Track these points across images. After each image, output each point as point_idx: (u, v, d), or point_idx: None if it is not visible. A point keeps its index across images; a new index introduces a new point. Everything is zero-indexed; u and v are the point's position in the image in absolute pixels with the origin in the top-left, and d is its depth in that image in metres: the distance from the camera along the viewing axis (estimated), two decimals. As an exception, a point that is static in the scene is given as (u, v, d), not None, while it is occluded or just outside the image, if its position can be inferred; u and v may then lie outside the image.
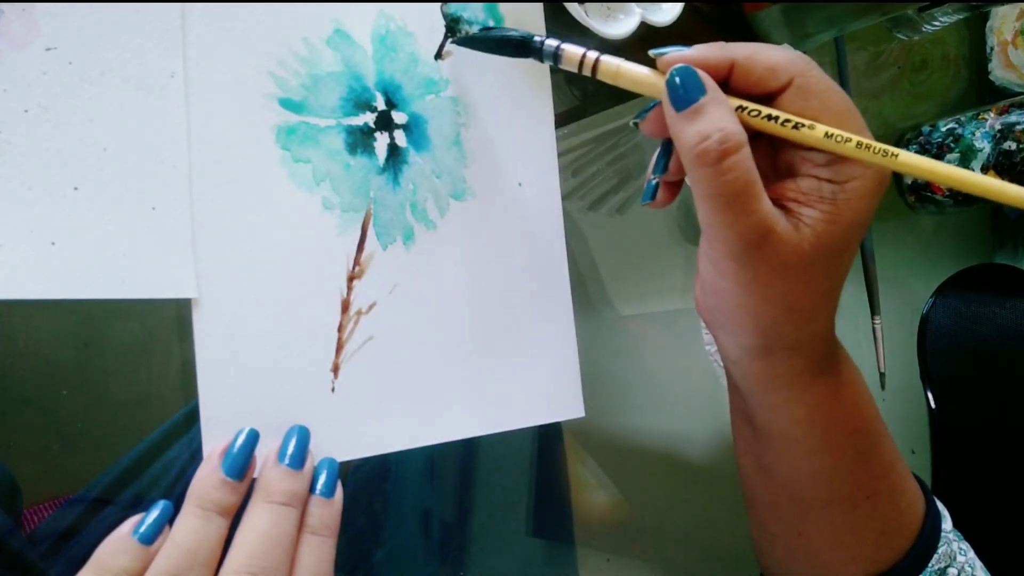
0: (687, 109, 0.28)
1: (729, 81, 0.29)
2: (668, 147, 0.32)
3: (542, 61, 0.32)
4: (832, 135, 0.27)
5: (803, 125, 0.28)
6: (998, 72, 0.77)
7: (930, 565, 0.35)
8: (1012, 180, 0.59)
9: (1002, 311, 0.64)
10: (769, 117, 0.28)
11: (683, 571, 0.60)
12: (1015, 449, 0.56)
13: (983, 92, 0.78)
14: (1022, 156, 0.60)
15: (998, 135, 0.62)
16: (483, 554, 0.49)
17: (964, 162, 0.64)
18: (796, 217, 0.29)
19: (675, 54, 0.29)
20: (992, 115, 0.63)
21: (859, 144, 0.27)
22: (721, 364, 0.46)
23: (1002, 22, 0.76)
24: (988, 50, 0.77)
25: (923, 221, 0.76)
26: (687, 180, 0.30)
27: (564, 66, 0.31)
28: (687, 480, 0.62)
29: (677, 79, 0.28)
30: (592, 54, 0.30)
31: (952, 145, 0.66)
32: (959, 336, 0.63)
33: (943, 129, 0.67)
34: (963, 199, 0.68)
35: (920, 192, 0.70)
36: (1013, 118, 0.61)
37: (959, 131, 0.66)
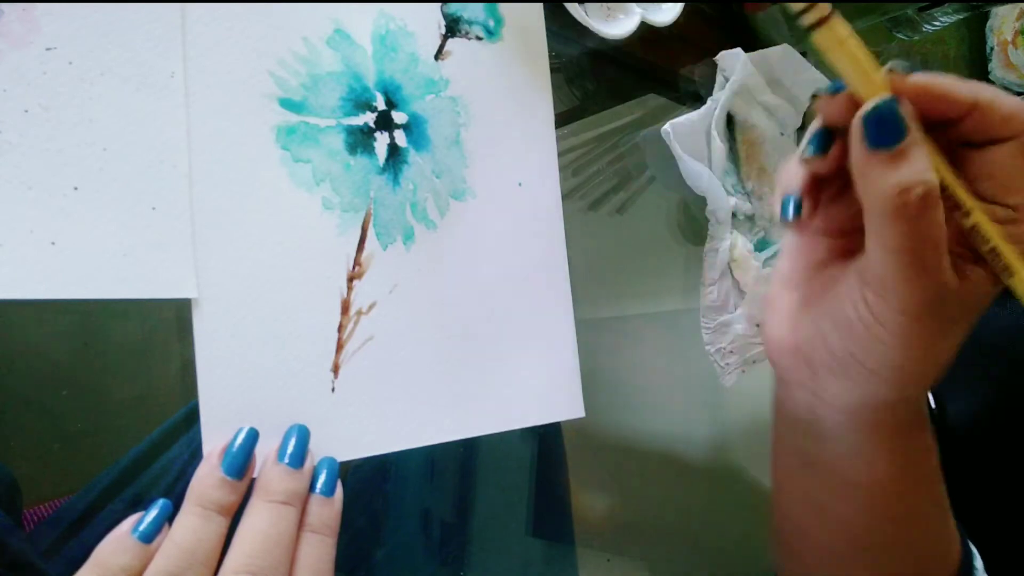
0: (886, 150, 0.24)
1: (959, 122, 0.25)
2: (830, 134, 0.27)
3: None
4: (978, 230, 0.25)
5: (962, 208, 0.25)
6: (998, 72, 0.77)
7: None
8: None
9: (1002, 311, 0.64)
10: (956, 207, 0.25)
11: (683, 571, 0.60)
12: (1016, 449, 0.55)
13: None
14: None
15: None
16: (483, 554, 0.49)
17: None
18: (962, 272, 0.26)
19: (922, 76, 0.25)
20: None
21: (993, 250, 0.25)
22: (721, 364, 0.46)
23: (1002, 22, 0.76)
24: (988, 50, 0.77)
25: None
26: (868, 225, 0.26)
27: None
28: (687, 480, 0.62)
29: (883, 110, 0.24)
30: (826, 6, 0.25)
31: (952, 145, 0.66)
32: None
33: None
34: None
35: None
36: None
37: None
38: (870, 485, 0.32)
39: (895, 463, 0.31)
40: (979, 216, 0.25)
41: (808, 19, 0.25)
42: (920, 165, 0.24)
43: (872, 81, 0.24)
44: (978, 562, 0.38)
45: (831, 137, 0.27)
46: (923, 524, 0.35)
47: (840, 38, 0.25)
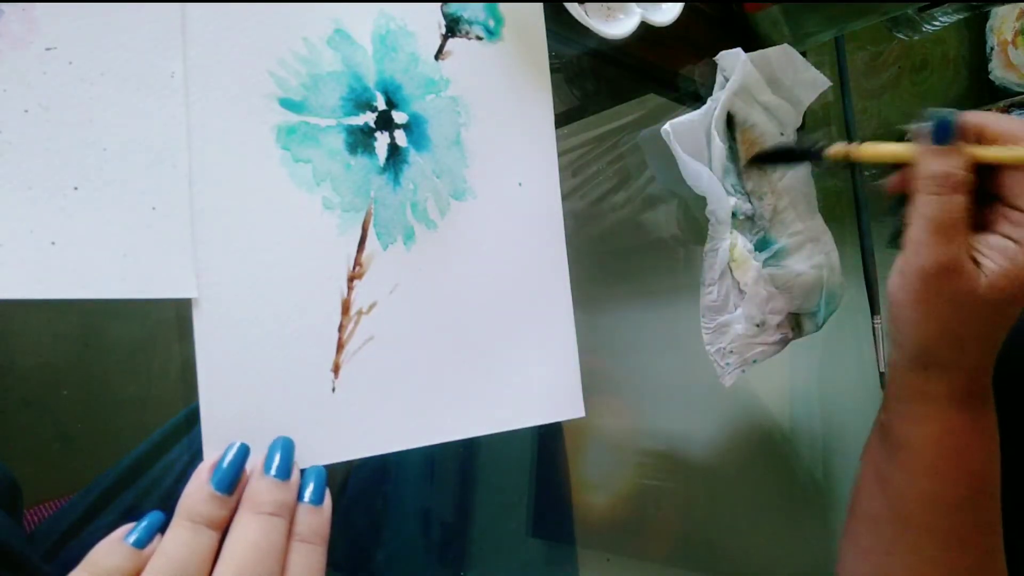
0: (943, 146, 0.35)
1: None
2: (902, 222, 0.38)
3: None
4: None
5: None
6: (998, 72, 0.77)
7: None
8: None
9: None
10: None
11: (683, 571, 0.60)
12: (1016, 449, 0.55)
13: (983, 92, 0.78)
14: (1022, 156, 0.60)
15: (998, 135, 0.61)
16: (483, 554, 0.49)
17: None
18: (980, 266, 0.35)
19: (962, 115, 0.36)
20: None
21: None
22: (721, 365, 0.46)
23: (1002, 22, 0.76)
24: (988, 50, 0.77)
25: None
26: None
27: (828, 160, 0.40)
28: (687, 480, 0.62)
29: (942, 121, 0.35)
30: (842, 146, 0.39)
31: (952, 145, 0.66)
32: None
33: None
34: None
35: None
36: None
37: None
38: (911, 449, 0.38)
39: (935, 430, 0.37)
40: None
41: (836, 154, 0.38)
42: (962, 161, 0.35)
43: (910, 152, 0.37)
44: None
45: (901, 227, 0.37)
46: (963, 522, 0.37)
47: (877, 152, 0.38)
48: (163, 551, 0.25)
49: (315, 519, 0.28)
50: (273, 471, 0.28)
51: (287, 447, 0.29)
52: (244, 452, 0.28)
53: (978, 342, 0.36)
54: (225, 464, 0.27)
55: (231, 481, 0.27)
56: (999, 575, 0.39)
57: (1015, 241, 0.35)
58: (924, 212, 0.34)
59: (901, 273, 0.36)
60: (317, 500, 0.29)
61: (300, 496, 0.29)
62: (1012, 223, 0.35)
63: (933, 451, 0.37)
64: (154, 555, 0.25)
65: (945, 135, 0.35)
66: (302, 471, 0.29)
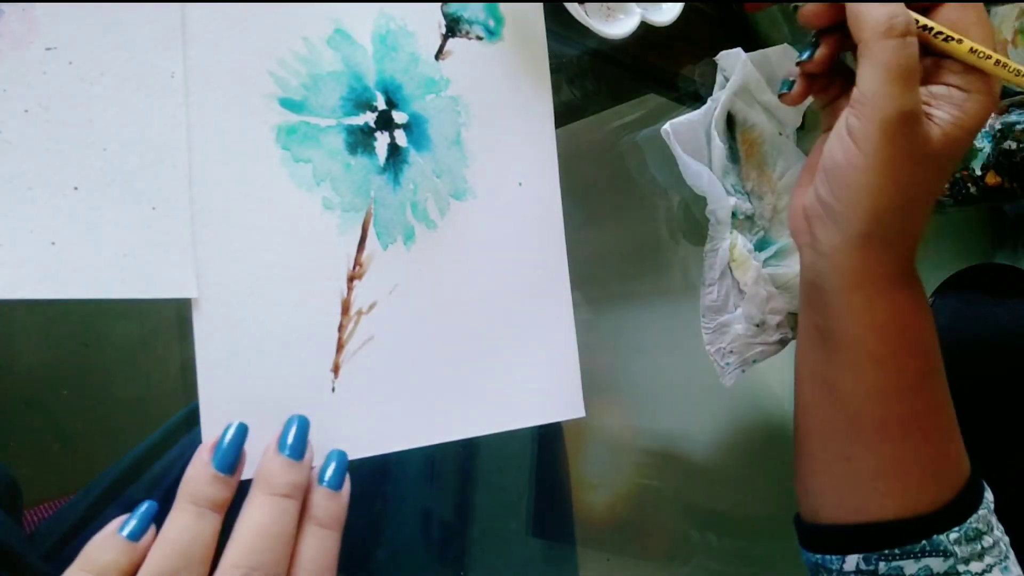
0: None
1: None
2: (817, 41, 0.37)
3: None
4: (976, 51, 0.33)
5: (953, 39, 0.33)
6: (998, 72, 0.76)
7: (968, 522, 0.36)
8: (1012, 180, 0.59)
9: (1002, 311, 0.64)
10: (926, 28, 0.33)
11: (683, 571, 0.60)
12: (1016, 449, 0.56)
13: (983, 92, 0.78)
14: (1022, 156, 0.60)
15: (998, 135, 0.62)
16: (483, 554, 0.49)
17: (964, 161, 0.64)
18: (930, 118, 0.33)
19: None
20: (992, 115, 0.63)
21: (997, 62, 0.33)
22: (721, 365, 0.46)
23: (1002, 22, 0.76)
24: (988, 50, 0.77)
25: (923, 221, 0.76)
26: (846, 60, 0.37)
27: None
28: (687, 480, 0.62)
29: None
30: None
31: (952, 145, 0.66)
32: (959, 336, 0.63)
33: (943, 129, 0.67)
34: (963, 198, 0.68)
35: (920, 192, 0.70)
36: (1013, 118, 0.61)
37: (959, 131, 0.65)
38: (855, 343, 0.36)
39: (878, 318, 0.36)
40: (972, 42, 0.33)
41: None
42: (902, 7, 0.32)
43: None
44: (990, 495, 0.38)
45: (815, 46, 0.37)
46: (916, 407, 0.36)
47: None
48: (165, 537, 0.25)
49: (333, 504, 0.28)
50: (287, 450, 0.28)
51: (302, 425, 0.29)
52: (243, 431, 0.27)
53: (924, 205, 0.35)
54: (225, 443, 0.27)
55: (232, 461, 0.26)
56: (961, 459, 0.38)
57: (960, 88, 0.33)
58: (881, 60, 0.32)
59: (850, 133, 0.33)
60: (336, 485, 0.28)
61: (320, 478, 0.28)
62: (953, 72, 0.34)
63: (878, 340, 0.36)
64: (156, 541, 0.25)
65: None
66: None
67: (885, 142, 0.32)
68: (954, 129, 0.33)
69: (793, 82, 0.38)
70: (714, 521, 0.61)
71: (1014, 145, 0.61)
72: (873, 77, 0.32)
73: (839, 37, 0.36)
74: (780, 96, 0.39)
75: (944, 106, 0.33)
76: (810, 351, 0.40)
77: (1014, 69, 0.33)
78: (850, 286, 0.36)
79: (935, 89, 0.34)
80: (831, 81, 0.39)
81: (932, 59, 0.35)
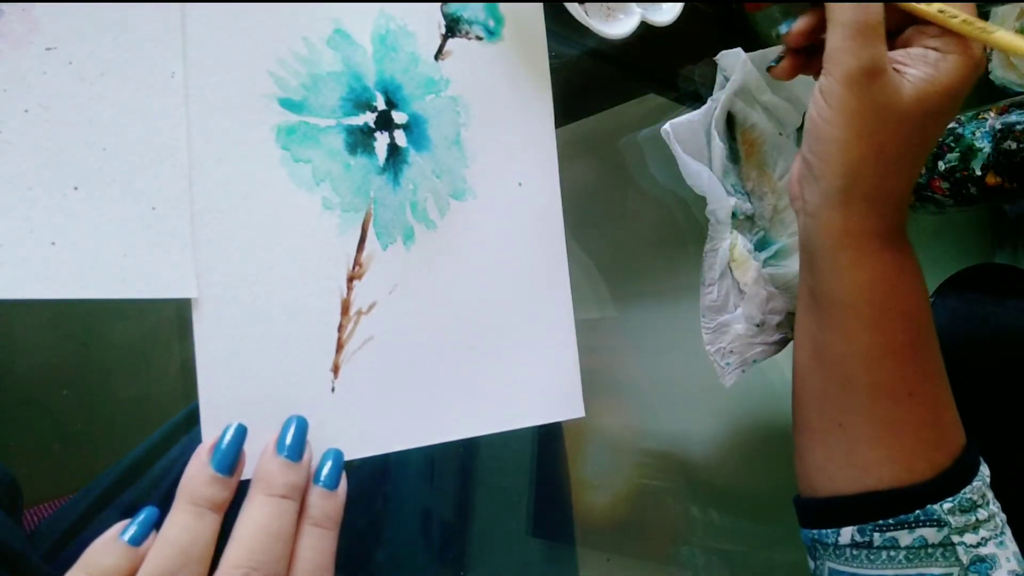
0: None
1: None
2: (791, 22, 0.39)
3: None
4: (944, 11, 0.34)
5: None
6: (998, 72, 0.76)
7: (963, 492, 0.36)
8: (1012, 180, 0.59)
9: (1002, 311, 0.64)
10: None
11: (683, 571, 0.60)
12: (1016, 449, 0.56)
13: (983, 92, 0.78)
14: (1022, 156, 0.60)
15: (998, 135, 0.62)
16: (483, 554, 0.49)
17: (964, 161, 0.64)
18: (902, 75, 0.35)
19: None
20: (992, 115, 0.63)
21: (964, 20, 0.34)
22: (721, 365, 0.46)
23: (1002, 22, 0.76)
24: (988, 50, 0.77)
25: (923, 221, 0.76)
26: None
27: None
28: (687, 480, 0.62)
29: None
30: None
31: (952, 144, 0.66)
32: (958, 336, 0.63)
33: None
34: (963, 199, 0.68)
35: (920, 191, 0.70)
36: (1013, 118, 0.61)
37: (959, 130, 0.66)
38: (843, 305, 0.37)
39: (864, 277, 0.36)
40: (940, 3, 0.34)
41: None
42: None
43: None
44: (985, 469, 0.38)
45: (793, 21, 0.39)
46: (907, 371, 0.37)
47: None
48: (165, 538, 0.25)
49: (329, 503, 0.28)
50: (286, 451, 0.28)
51: (301, 426, 0.29)
52: (242, 432, 0.27)
53: (903, 162, 0.36)
54: (224, 444, 0.27)
55: (231, 462, 0.26)
56: (955, 428, 0.38)
57: (935, 49, 0.35)
58: (841, 19, 0.34)
59: (821, 91, 0.35)
60: (332, 484, 0.28)
61: (316, 478, 0.28)
62: (929, 35, 0.35)
63: (866, 301, 0.36)
64: (156, 542, 0.25)
65: None
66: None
67: (849, 96, 0.34)
68: (927, 86, 0.34)
69: (782, 57, 0.40)
70: (714, 521, 0.61)
71: (1014, 145, 0.61)
72: (835, 35, 0.34)
73: (821, 11, 0.37)
74: (769, 70, 0.41)
75: (919, 65, 0.35)
76: (805, 316, 0.41)
77: (980, 27, 0.34)
78: (836, 246, 0.37)
79: (913, 51, 0.35)
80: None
81: (915, 27, 0.36)
